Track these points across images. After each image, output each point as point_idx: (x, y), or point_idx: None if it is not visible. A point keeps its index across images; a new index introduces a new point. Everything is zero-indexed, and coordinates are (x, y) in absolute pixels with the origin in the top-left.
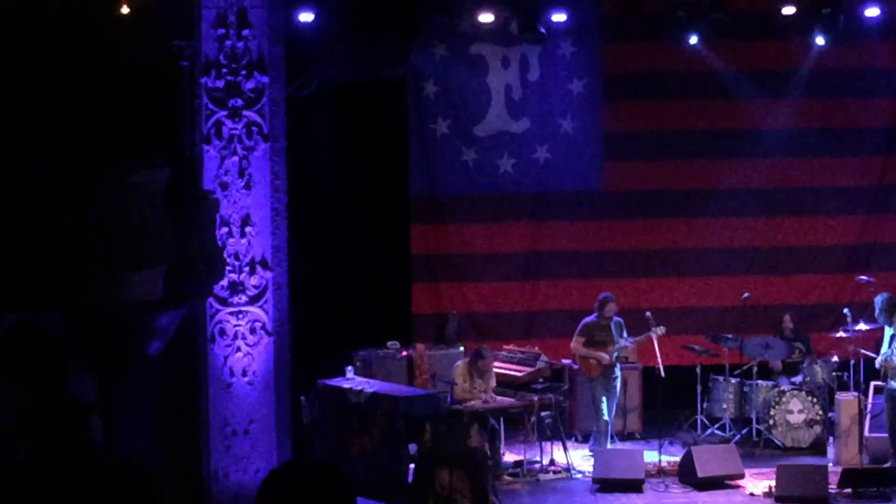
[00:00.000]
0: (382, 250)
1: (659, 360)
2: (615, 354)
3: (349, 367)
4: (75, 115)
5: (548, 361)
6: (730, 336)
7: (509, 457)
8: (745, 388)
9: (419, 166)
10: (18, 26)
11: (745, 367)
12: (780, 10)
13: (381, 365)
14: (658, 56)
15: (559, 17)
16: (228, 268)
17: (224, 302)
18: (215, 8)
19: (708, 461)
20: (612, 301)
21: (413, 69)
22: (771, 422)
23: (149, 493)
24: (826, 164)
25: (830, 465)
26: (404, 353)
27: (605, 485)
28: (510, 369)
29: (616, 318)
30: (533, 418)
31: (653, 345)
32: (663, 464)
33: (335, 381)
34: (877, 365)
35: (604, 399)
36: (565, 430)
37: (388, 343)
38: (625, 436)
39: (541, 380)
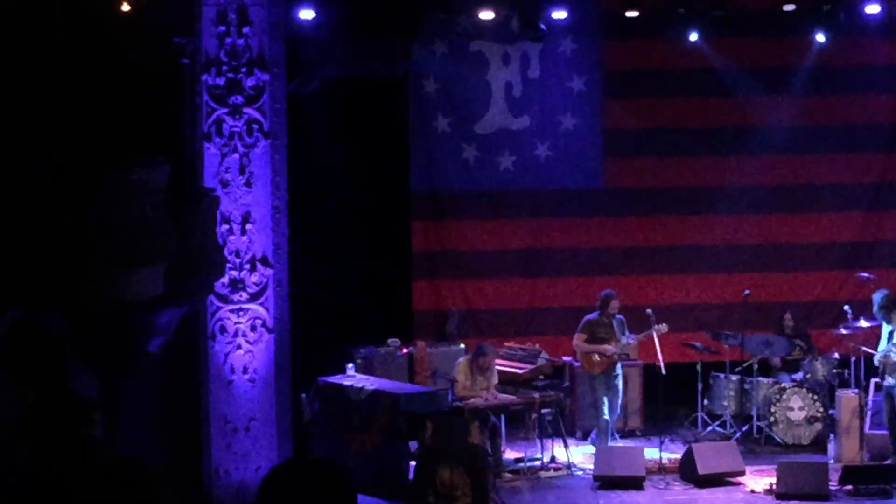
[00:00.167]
0: (383, 247)
1: (660, 357)
2: (619, 351)
3: (350, 365)
4: (76, 113)
5: (549, 358)
6: (730, 333)
7: (510, 454)
8: (746, 385)
9: (420, 164)
10: (19, 24)
11: (745, 364)
12: (780, 6)
13: (382, 362)
14: (659, 53)
15: (560, 15)
16: (229, 265)
17: (225, 299)
18: (216, 5)
19: (709, 458)
20: (614, 298)
21: (413, 66)
22: (772, 419)
23: (149, 490)
24: (827, 160)
25: (831, 461)
26: (405, 350)
27: (605, 482)
28: (511, 366)
29: (618, 316)
30: (534, 415)
31: (654, 342)
32: (664, 461)
33: (336, 379)
34: (875, 362)
35: (605, 397)
36: (566, 427)
37: (389, 340)
38: (625, 433)
39: (542, 377)
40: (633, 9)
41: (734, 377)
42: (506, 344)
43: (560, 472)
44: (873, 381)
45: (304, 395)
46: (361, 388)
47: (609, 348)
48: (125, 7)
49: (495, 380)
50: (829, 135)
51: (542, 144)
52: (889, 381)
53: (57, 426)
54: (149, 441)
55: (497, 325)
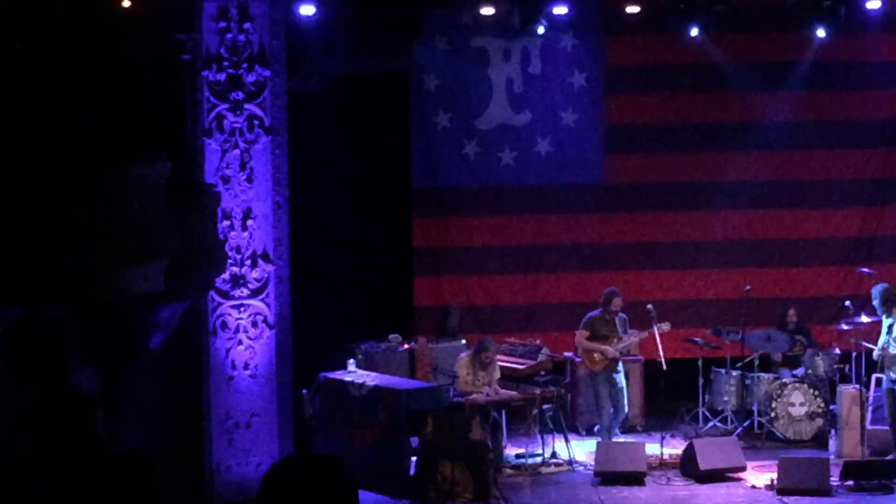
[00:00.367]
0: (384, 243)
1: (661, 352)
2: (620, 349)
3: (351, 361)
4: (77, 108)
5: (549, 354)
6: (731, 329)
7: (511, 450)
8: (747, 381)
9: (421, 159)
10: (21, 21)
11: (746, 360)
12: (781, 2)
13: (383, 358)
14: (659, 49)
15: (560, 10)
16: (230, 261)
17: (226, 295)
18: (216, 1)
19: (710, 454)
20: (617, 296)
21: (414, 62)
22: (773, 414)
23: (151, 485)
24: (827, 156)
25: (832, 457)
26: (406, 346)
27: (606, 477)
28: (512, 362)
29: (620, 314)
30: (535, 411)
31: (655, 338)
32: (665, 456)
33: (337, 375)
34: (874, 355)
35: (607, 395)
36: (567, 422)
37: (390, 336)
38: (626, 428)
39: (542, 372)
40: (633, 4)
41: (735, 373)
42: (507, 340)
43: (561, 468)
44: (874, 376)
45: (305, 391)
46: (362, 384)
47: (609, 350)
48: (126, 3)
49: (497, 375)
50: (830, 130)
51: (543, 140)
52: (889, 374)
53: (59, 422)
54: (150, 436)
55: (498, 321)
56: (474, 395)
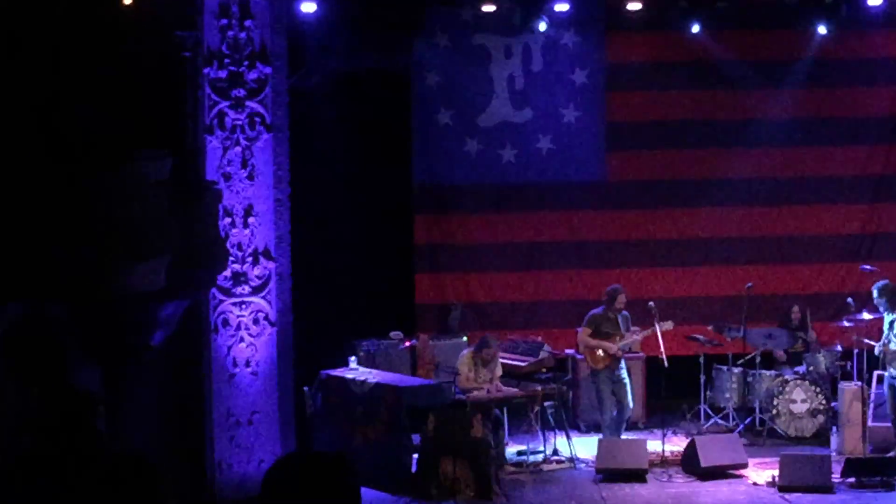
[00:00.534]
0: (385, 240)
1: (662, 349)
2: (622, 346)
3: (352, 358)
4: (78, 106)
5: (551, 351)
6: (733, 326)
7: (513, 447)
8: (749, 378)
9: (422, 157)
10: (21, 19)
11: (748, 357)
12: None
13: (385, 355)
14: (661, 46)
15: (562, 7)
16: (231, 258)
17: (227, 292)
18: None
19: (711, 451)
20: (621, 293)
21: (416, 59)
22: (774, 411)
23: (152, 483)
24: (829, 153)
25: (834, 454)
26: (407, 343)
27: (608, 474)
28: (513, 359)
29: (623, 312)
30: (536, 408)
31: (656, 335)
32: (666, 453)
33: (338, 372)
34: (875, 351)
35: (609, 392)
36: (569, 420)
37: (392, 333)
38: (628, 425)
39: (544, 370)
40: (635, 1)
41: (737, 370)
42: (508, 337)
43: (563, 465)
44: (876, 373)
45: (306, 389)
46: (364, 381)
47: (613, 346)
48: (127, 1)
49: (499, 372)
50: (832, 127)
51: (545, 137)
52: (891, 371)
53: (59, 421)
54: (151, 434)
55: (499, 318)
56: (476, 393)
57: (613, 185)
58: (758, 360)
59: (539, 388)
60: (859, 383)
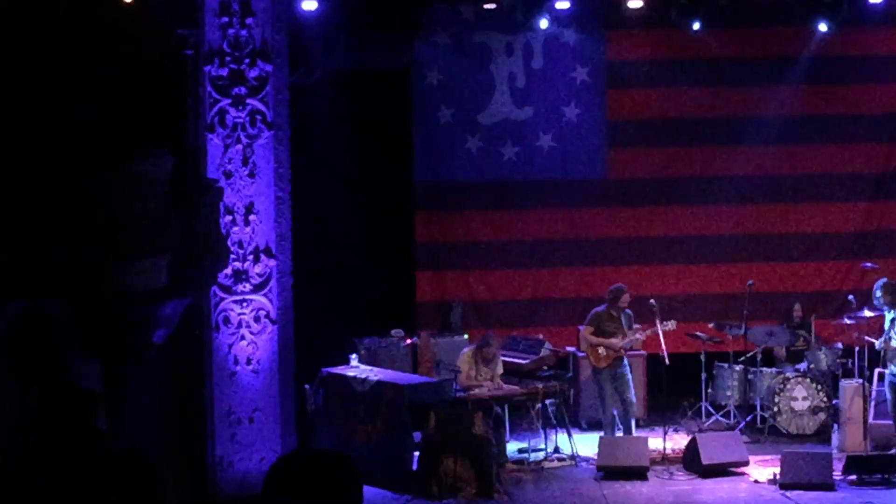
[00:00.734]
0: (386, 238)
1: (663, 347)
2: (624, 345)
3: (353, 356)
4: (79, 105)
5: (552, 349)
6: (734, 323)
7: (514, 444)
8: (750, 376)
9: (423, 154)
10: (21, 19)
11: (749, 354)
12: None
13: (386, 353)
14: (661, 43)
15: (562, 5)
16: (232, 256)
17: (228, 290)
18: None
19: (712, 448)
20: (625, 293)
21: (416, 57)
22: (775, 409)
23: (153, 482)
24: (830, 150)
25: (835, 451)
26: (408, 340)
27: (609, 472)
28: (514, 357)
29: (626, 310)
30: (538, 406)
31: (657, 332)
32: (668, 451)
33: (339, 370)
34: (876, 347)
35: (611, 391)
36: (570, 417)
37: (393, 331)
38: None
39: (545, 367)
40: None
41: (738, 367)
42: (509, 334)
43: (564, 463)
44: (877, 370)
45: (307, 386)
46: (365, 379)
47: (616, 342)
48: None
49: (500, 370)
50: (833, 125)
51: (546, 135)
52: (891, 369)
53: (61, 419)
54: (153, 432)
55: (500, 316)
56: (477, 390)
57: (614, 183)
58: (759, 357)
59: (540, 385)
60: (860, 381)
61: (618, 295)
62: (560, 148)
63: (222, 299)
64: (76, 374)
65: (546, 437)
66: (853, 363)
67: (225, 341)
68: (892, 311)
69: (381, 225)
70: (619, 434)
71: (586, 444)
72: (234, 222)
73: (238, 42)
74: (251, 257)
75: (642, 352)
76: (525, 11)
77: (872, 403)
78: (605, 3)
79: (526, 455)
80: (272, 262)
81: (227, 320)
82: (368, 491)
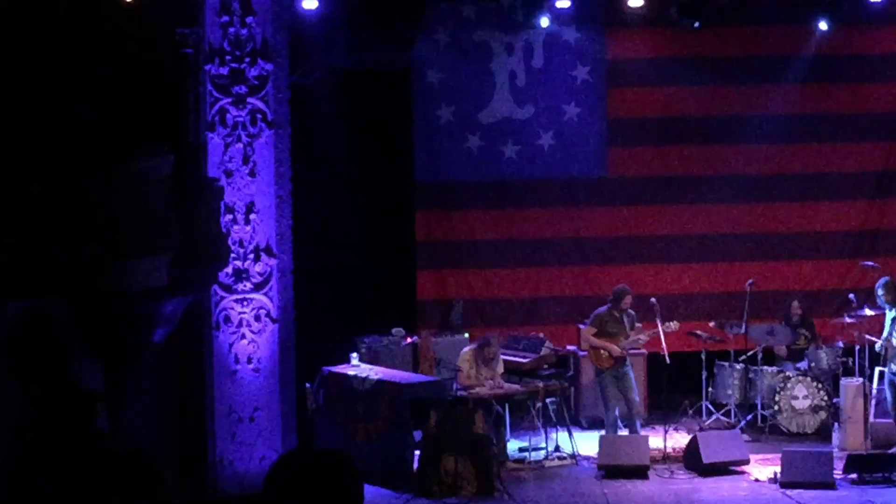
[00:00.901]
0: (387, 237)
1: (664, 346)
2: (626, 346)
3: (354, 354)
4: (80, 104)
5: (553, 348)
6: (735, 322)
7: (514, 443)
8: (751, 374)
9: (423, 153)
10: (22, 16)
11: (750, 353)
12: None
13: (386, 352)
14: (662, 42)
15: (563, 4)
16: (233, 255)
17: (229, 289)
18: None
19: (713, 447)
20: (628, 294)
21: (417, 56)
22: (776, 407)
23: (154, 481)
24: (830, 149)
25: (835, 450)
26: (409, 339)
27: (610, 471)
28: (515, 356)
29: (630, 311)
30: (538, 404)
31: (657, 330)
32: (668, 450)
33: (340, 368)
34: (877, 347)
35: (614, 391)
36: (570, 416)
37: (393, 330)
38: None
39: (546, 366)
40: None
41: (738, 366)
42: (510, 333)
43: (564, 462)
44: (878, 369)
45: (308, 385)
46: (366, 378)
47: (615, 348)
48: None
49: (500, 369)
50: (833, 123)
51: (546, 134)
52: (891, 367)
53: (61, 419)
54: (153, 431)
55: (501, 315)
56: (477, 389)
57: (615, 182)
58: (759, 356)
59: (540, 384)
60: (861, 379)
61: (620, 296)
62: (560, 147)
63: (223, 298)
64: (76, 374)
65: (547, 436)
66: (854, 362)
67: (225, 340)
68: (894, 310)
69: (382, 224)
70: (622, 431)
71: (587, 443)
72: (234, 221)
73: (238, 41)
74: (252, 256)
75: (643, 351)
76: (525, 10)
77: (873, 402)
78: (605, 1)
79: (526, 454)
80: (273, 261)
81: (227, 319)
82: (369, 490)
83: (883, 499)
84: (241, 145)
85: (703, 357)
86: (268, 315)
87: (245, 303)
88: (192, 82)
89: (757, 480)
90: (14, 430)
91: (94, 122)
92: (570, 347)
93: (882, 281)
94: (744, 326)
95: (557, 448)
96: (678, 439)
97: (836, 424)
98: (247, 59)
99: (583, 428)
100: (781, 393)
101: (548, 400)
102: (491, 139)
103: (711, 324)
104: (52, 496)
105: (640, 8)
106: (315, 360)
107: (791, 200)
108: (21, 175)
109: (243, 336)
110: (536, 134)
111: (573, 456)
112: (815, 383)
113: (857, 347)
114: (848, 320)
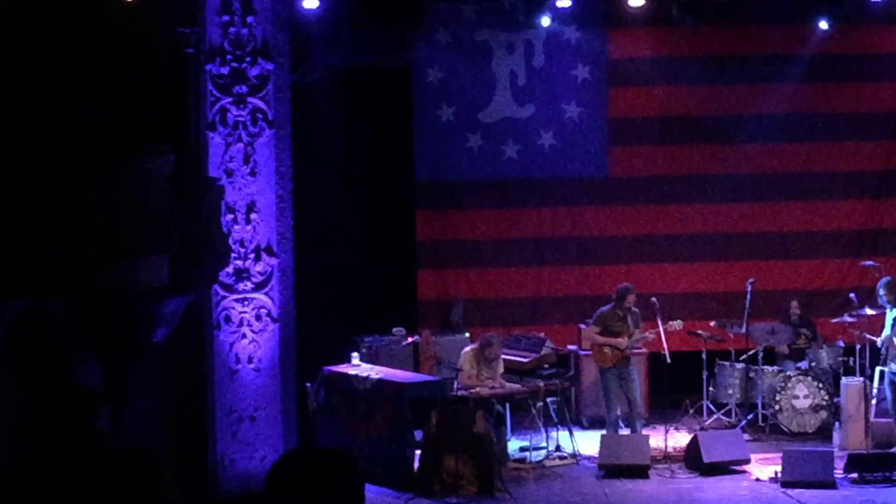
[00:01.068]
0: (388, 237)
1: (665, 345)
2: (631, 345)
3: (355, 354)
4: (81, 102)
5: (553, 347)
6: (735, 321)
7: (515, 443)
8: (751, 374)
9: (424, 153)
10: (23, 16)
11: (750, 353)
12: None
13: (387, 351)
14: (663, 41)
15: (564, 3)
16: (234, 255)
17: (229, 289)
18: None
19: (714, 447)
20: (631, 293)
21: (417, 56)
22: (777, 407)
23: (155, 480)
24: (832, 148)
25: (836, 450)
26: (410, 339)
27: (610, 471)
28: (516, 355)
29: (634, 309)
30: (539, 404)
31: (665, 331)
32: (669, 449)
33: (341, 368)
34: (878, 345)
35: (617, 390)
36: (571, 415)
37: (394, 329)
38: (628, 421)
39: (546, 365)
40: None
41: (739, 365)
42: (510, 333)
43: (565, 461)
44: (878, 368)
45: (309, 385)
46: (366, 378)
47: (621, 342)
48: None
49: (501, 369)
50: (834, 122)
51: (547, 133)
52: (891, 367)
53: (61, 419)
54: (154, 431)
55: (502, 314)
56: (478, 388)
57: (615, 181)
58: (760, 355)
59: (541, 383)
60: (862, 379)
61: (624, 294)
62: (561, 146)
63: (224, 298)
64: (76, 374)
65: (547, 436)
66: (854, 361)
67: (226, 340)
68: (895, 310)
69: (383, 223)
70: (623, 431)
71: (588, 443)
72: (235, 221)
73: (239, 40)
74: (252, 256)
75: (644, 350)
76: (526, 10)
77: (874, 401)
78: (606, 1)
79: (527, 453)
80: (273, 261)
81: (228, 319)
82: (370, 489)
83: (883, 498)
84: (241, 145)
85: (703, 356)
86: (268, 315)
87: (246, 302)
88: (192, 82)
89: (758, 480)
90: (14, 430)
91: (95, 122)
92: (570, 347)
93: (884, 280)
94: (744, 326)
95: (558, 447)
96: (679, 439)
97: (836, 424)
98: (247, 59)
99: (583, 427)
100: (782, 392)
101: (548, 399)
102: (491, 139)
103: (712, 323)
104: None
105: (641, 7)
106: (316, 359)
107: (792, 200)
108: (21, 175)
109: (244, 336)
110: (537, 133)
111: (574, 455)
112: (815, 383)
113: (858, 347)
114: (849, 320)
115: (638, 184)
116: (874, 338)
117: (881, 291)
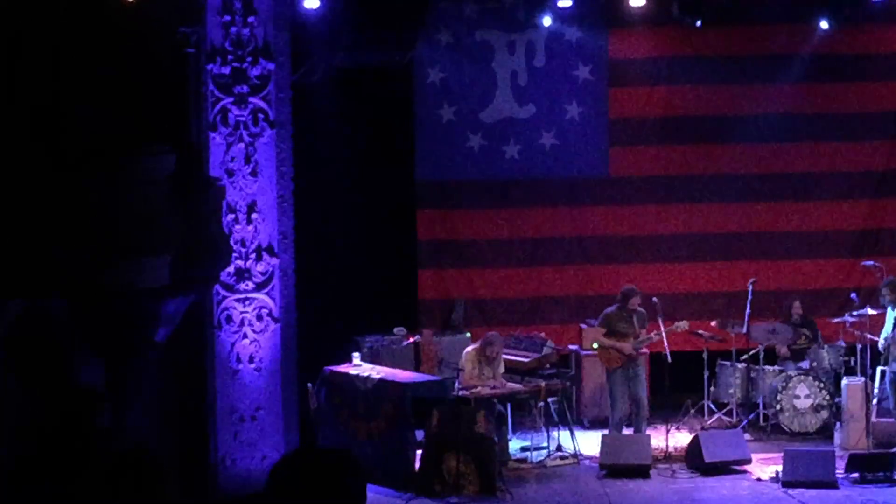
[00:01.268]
0: (388, 236)
1: (666, 345)
2: (636, 346)
3: (356, 354)
4: (81, 102)
5: (554, 347)
6: (736, 321)
7: (516, 442)
8: (752, 374)
9: (425, 152)
10: (23, 16)
11: (751, 353)
12: None
13: (388, 351)
14: (663, 41)
15: (565, 3)
16: (235, 254)
17: (230, 289)
18: None
19: (715, 446)
20: (636, 295)
21: (418, 55)
22: (778, 407)
23: (156, 479)
24: (832, 148)
25: (837, 449)
26: (411, 339)
27: (611, 470)
28: (516, 355)
29: (640, 310)
30: (540, 404)
31: (660, 329)
32: (670, 449)
33: (342, 368)
34: (879, 346)
35: (622, 391)
36: (572, 415)
37: (395, 329)
38: (632, 421)
39: (547, 365)
40: None
41: (740, 365)
42: (511, 333)
43: (566, 461)
44: (879, 368)
45: (310, 385)
46: (367, 377)
47: (626, 346)
48: None
49: (502, 369)
50: (835, 122)
51: (548, 133)
52: (892, 367)
53: (61, 419)
54: (155, 430)
55: (502, 314)
56: (479, 388)
57: (616, 181)
58: (761, 355)
59: (542, 383)
60: (863, 379)
61: (628, 296)
62: (562, 146)
63: (225, 297)
64: (77, 374)
65: (548, 436)
66: (855, 361)
67: (227, 339)
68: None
69: (383, 223)
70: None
71: (589, 443)
72: (236, 220)
73: (240, 40)
74: (253, 255)
75: (645, 350)
76: (527, 9)
77: (875, 401)
78: (607, 1)
79: (528, 453)
80: (274, 261)
81: (229, 318)
82: (371, 489)
83: (884, 498)
84: (242, 145)
85: (704, 356)
86: (270, 314)
87: (247, 302)
88: (193, 82)
89: (759, 480)
90: (14, 430)
91: (95, 123)
92: (571, 347)
93: (887, 280)
94: (745, 326)
95: (559, 447)
96: (680, 438)
97: (837, 424)
98: (248, 59)
99: (584, 427)
100: (783, 392)
101: (549, 399)
102: (492, 138)
103: (713, 323)
104: (52, 496)
105: (642, 7)
106: (317, 359)
107: (793, 200)
108: (21, 175)
109: (245, 335)
110: (538, 133)
111: (575, 455)
112: (816, 383)
113: (859, 347)
114: (850, 319)
115: (639, 184)
116: (875, 338)
117: (884, 291)
